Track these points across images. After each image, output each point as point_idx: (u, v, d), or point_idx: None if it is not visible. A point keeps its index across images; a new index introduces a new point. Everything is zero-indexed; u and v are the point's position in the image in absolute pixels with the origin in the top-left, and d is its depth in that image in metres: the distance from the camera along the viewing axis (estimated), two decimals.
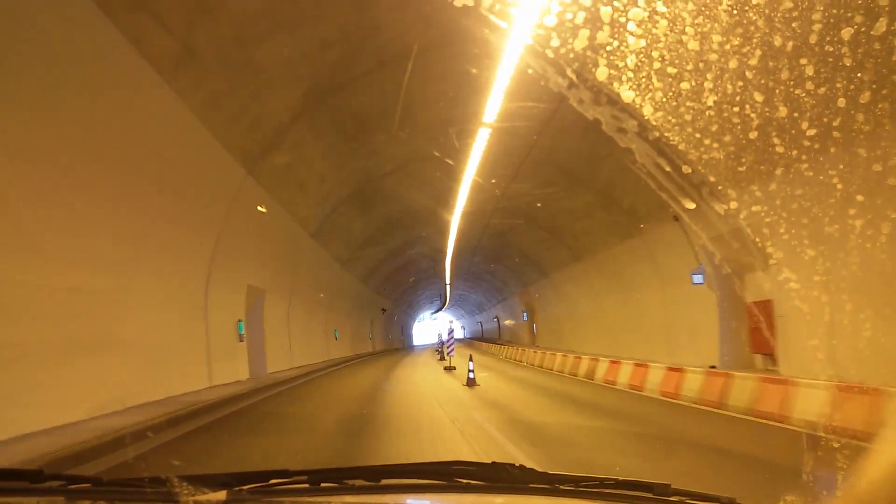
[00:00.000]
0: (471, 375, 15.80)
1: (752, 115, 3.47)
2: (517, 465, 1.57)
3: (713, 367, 12.98)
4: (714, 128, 3.70)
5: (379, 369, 25.03)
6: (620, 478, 1.53)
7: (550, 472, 1.55)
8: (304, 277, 23.29)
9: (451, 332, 24.35)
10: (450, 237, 27.08)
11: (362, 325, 40.55)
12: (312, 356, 24.92)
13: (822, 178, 4.03)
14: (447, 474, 1.59)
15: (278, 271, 19.94)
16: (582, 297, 26.02)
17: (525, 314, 41.38)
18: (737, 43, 3.24)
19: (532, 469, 1.57)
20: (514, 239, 28.12)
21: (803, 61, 3.10)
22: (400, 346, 60.23)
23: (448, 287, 51.02)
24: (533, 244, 27.18)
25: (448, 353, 23.46)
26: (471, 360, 16.43)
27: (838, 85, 3.13)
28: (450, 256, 33.24)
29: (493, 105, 11.52)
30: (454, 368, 21.53)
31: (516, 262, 34.13)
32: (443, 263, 37.42)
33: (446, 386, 16.23)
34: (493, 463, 1.58)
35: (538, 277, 32.45)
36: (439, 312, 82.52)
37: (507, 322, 54.02)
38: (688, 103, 3.49)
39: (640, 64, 3.31)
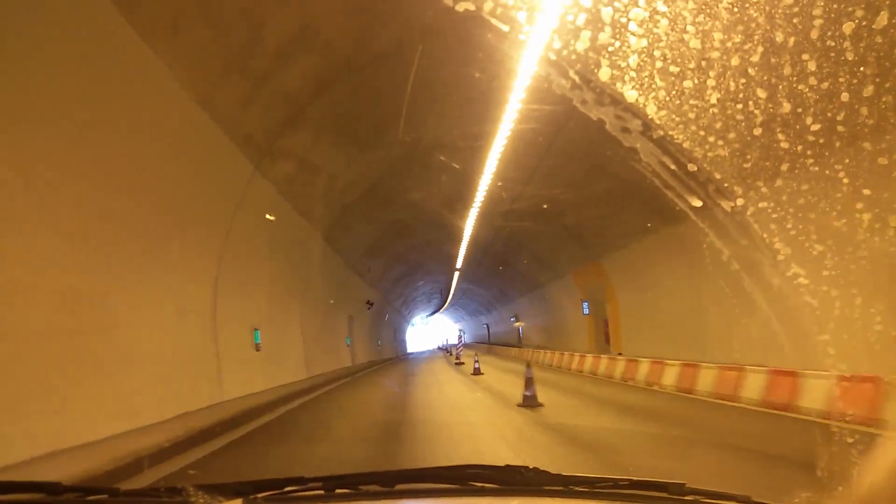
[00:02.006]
0: None
1: (756, 112, 3.48)
2: (531, 467, 1.58)
3: None
4: (718, 125, 3.71)
5: None
6: (635, 478, 1.53)
7: (564, 474, 1.55)
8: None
9: None
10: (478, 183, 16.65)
11: (332, 324, 24.05)
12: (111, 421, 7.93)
13: (827, 172, 4.04)
14: (461, 478, 1.59)
15: None
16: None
17: (585, 304, 25.28)
18: (738, 40, 3.26)
19: (546, 471, 1.57)
20: (600, 161, 14.23)
21: (805, 57, 3.11)
22: (393, 354, 45.47)
23: (456, 275, 37.77)
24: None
25: None
26: None
27: (841, 80, 3.13)
28: (471, 219, 20.81)
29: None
30: None
31: (581, 219, 18.99)
32: (457, 233, 24.10)
33: None
34: (507, 466, 1.58)
35: (638, 234, 16.90)
36: (436, 314, 72.40)
37: (518, 324, 42.17)
38: (691, 101, 3.51)
39: (642, 64, 3.33)
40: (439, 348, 67.45)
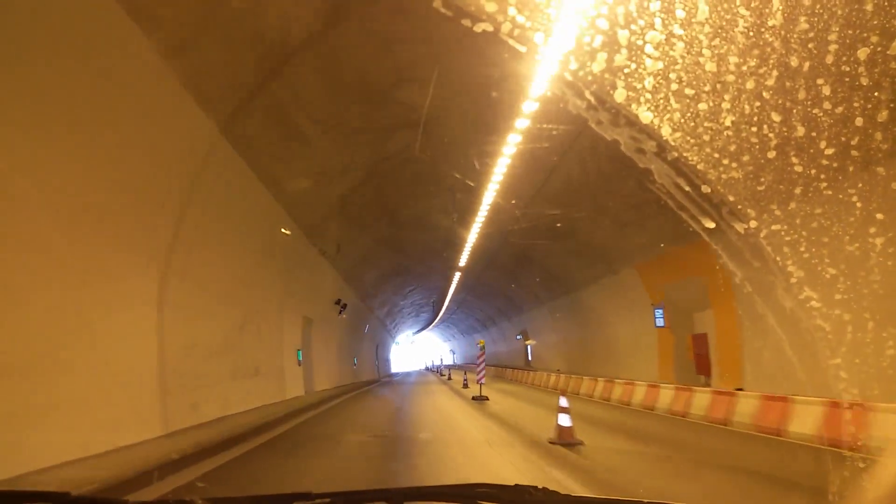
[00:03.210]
0: None
1: (771, 135, 3.50)
2: (540, 487, 1.58)
3: None
4: (732, 148, 3.74)
5: None
6: (645, 500, 1.54)
7: (574, 495, 1.56)
8: None
9: None
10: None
11: (271, 327, 14.70)
12: None
13: (841, 196, 4.04)
14: (470, 497, 1.58)
15: None
16: None
17: (659, 312, 17.70)
18: (753, 64, 3.30)
19: (555, 492, 1.57)
20: None
21: (820, 81, 3.14)
22: (374, 376, 37.10)
23: (456, 277, 28.63)
24: None
25: None
26: None
27: (855, 104, 3.16)
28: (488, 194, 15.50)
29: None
30: None
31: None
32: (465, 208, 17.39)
33: None
34: (516, 485, 1.58)
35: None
36: (424, 331, 66.02)
37: (527, 341, 34.54)
38: (706, 124, 3.54)
39: (657, 86, 3.37)
40: (427, 369, 62.44)
